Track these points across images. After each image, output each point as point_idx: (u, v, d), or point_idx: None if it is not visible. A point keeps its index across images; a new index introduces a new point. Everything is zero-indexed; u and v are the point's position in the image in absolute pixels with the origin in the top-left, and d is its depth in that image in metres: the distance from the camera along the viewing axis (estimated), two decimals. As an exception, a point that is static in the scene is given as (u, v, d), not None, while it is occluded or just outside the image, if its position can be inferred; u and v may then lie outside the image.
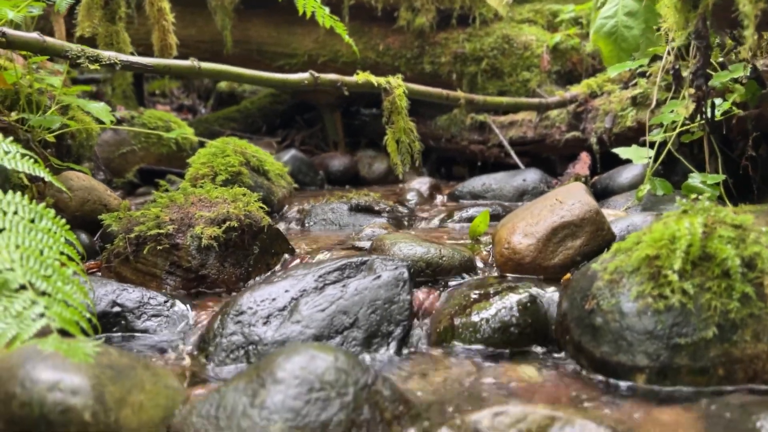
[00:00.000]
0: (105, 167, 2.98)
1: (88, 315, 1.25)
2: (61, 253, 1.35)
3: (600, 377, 1.29)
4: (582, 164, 2.94)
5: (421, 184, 3.15)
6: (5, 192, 1.38)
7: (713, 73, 2.54)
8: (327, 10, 2.51)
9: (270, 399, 1.00)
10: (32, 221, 1.37)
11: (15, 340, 1.10)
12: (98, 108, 2.19)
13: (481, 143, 3.78)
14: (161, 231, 1.81)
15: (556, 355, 1.43)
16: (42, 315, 1.15)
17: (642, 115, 2.95)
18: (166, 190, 2.06)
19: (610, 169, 2.97)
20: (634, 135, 2.97)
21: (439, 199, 3.11)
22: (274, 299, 1.47)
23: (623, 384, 1.26)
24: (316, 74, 2.46)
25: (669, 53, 2.12)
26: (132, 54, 2.44)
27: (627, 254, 1.34)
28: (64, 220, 1.43)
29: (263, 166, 2.71)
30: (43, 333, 1.09)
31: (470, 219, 2.33)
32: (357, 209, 2.57)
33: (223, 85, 6.51)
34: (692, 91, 2.50)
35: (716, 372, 1.21)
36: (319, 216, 2.55)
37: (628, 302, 1.27)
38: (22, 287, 1.19)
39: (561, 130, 3.40)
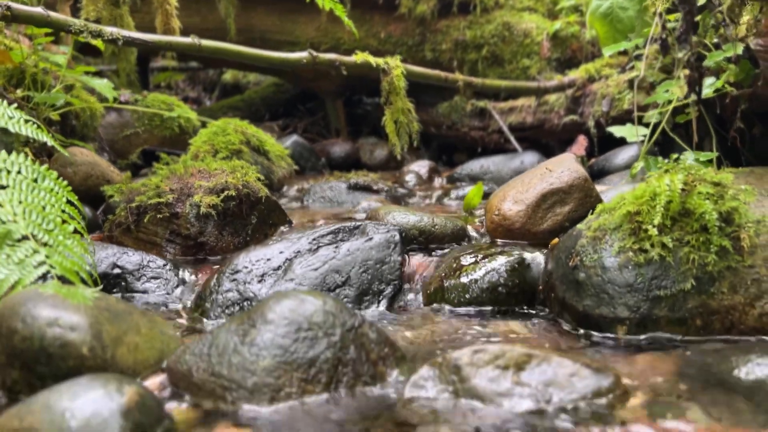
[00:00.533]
0: (109, 148, 3.03)
1: (87, 267, 1.31)
2: (63, 211, 1.40)
3: (583, 331, 1.33)
4: (579, 146, 2.98)
5: (421, 167, 3.19)
6: (9, 152, 1.43)
7: (707, 53, 2.57)
8: (327, -9, 2.55)
9: (260, 337, 1.04)
10: (35, 181, 1.42)
11: (17, 285, 1.16)
12: (101, 84, 2.24)
13: (481, 129, 3.81)
14: (161, 200, 1.86)
15: (542, 313, 1.47)
16: (42, 263, 1.20)
17: (639, 97, 2.98)
18: (167, 164, 2.10)
19: (607, 152, 3.00)
20: (631, 117, 2.99)
21: (438, 181, 3.15)
22: (268, 259, 1.52)
23: (605, 336, 1.30)
24: (315, 53, 2.51)
25: (657, 24, 2.16)
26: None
27: (610, 213, 1.38)
28: (66, 182, 1.48)
29: (263, 146, 2.75)
30: (44, 281, 1.14)
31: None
32: (355, 188, 2.62)
33: (227, 76, 6.57)
34: (686, 72, 2.54)
35: (694, 323, 1.25)
36: (318, 194, 2.59)
37: (610, 257, 1.31)
38: (24, 238, 1.24)
39: (559, 115, 3.43)
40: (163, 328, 1.21)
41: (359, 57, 2.58)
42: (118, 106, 2.73)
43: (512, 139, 3.55)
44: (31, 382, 1.01)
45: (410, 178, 2.99)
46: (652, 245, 1.27)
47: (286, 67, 2.56)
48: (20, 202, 1.32)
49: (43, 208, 1.35)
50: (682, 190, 1.29)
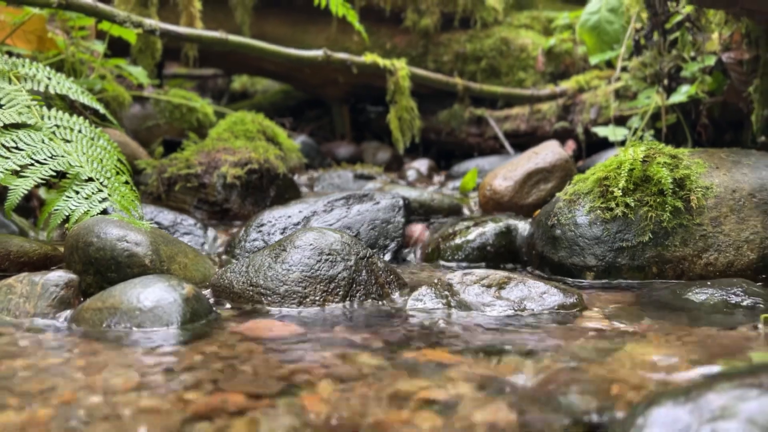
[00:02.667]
0: (133, 138, 3.27)
1: (138, 210, 1.54)
2: (115, 165, 1.64)
3: (558, 278, 1.56)
4: (567, 148, 3.22)
5: (421, 164, 3.44)
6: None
7: (683, 65, 2.84)
8: (341, -2, 2.81)
9: (290, 257, 1.27)
10: (92, 139, 1.66)
11: (86, 215, 1.39)
12: (137, 71, 2.49)
13: (478, 136, 4.07)
14: (191, 171, 2.10)
15: (524, 268, 1.70)
16: (105, 199, 1.43)
17: (623, 105, 3.24)
18: (195, 142, 2.34)
19: (593, 155, 3.25)
20: (616, 123, 3.25)
21: (437, 178, 3.39)
22: (289, 216, 1.75)
23: (576, 281, 1.53)
24: (329, 52, 2.76)
25: (631, 28, 2.42)
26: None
27: (584, 181, 1.62)
28: (116, 144, 1.72)
29: (277, 138, 2.99)
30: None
31: (462, 184, 2.61)
32: (361, 177, 2.85)
33: (236, 85, 6.84)
34: (666, 83, 2.81)
35: (651, 270, 1.48)
36: (327, 181, 2.83)
37: (582, 216, 1.55)
38: (90, 179, 1.48)
39: (551, 122, 3.68)
40: (204, 259, 1.44)
41: (368, 57, 2.84)
42: (147, 94, 2.98)
43: (507, 144, 3.80)
44: (102, 286, 1.23)
45: (411, 174, 3.23)
46: (617, 204, 1.51)
47: (303, 64, 2.80)
48: (83, 153, 1.55)
49: (101, 160, 1.58)
50: (644, 160, 1.53)
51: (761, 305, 1.21)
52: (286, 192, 2.23)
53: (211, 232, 1.92)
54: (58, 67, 2.67)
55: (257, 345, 1.00)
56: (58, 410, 0.74)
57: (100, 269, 1.23)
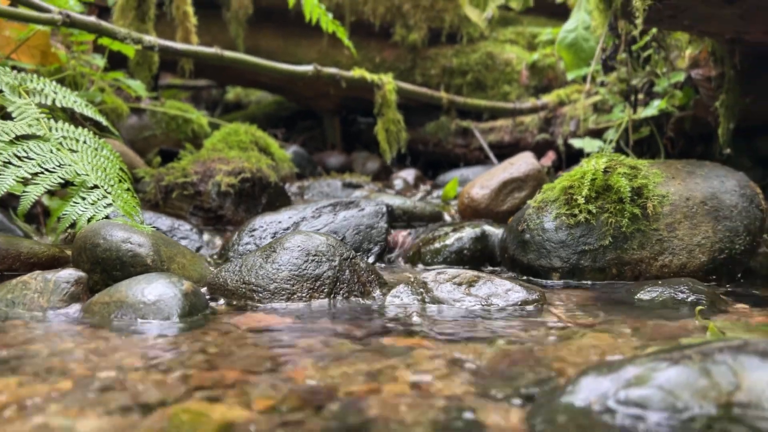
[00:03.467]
0: (130, 148, 3.39)
1: (139, 215, 1.66)
2: (118, 173, 1.76)
3: (526, 278, 1.69)
4: (547, 158, 3.37)
5: (408, 174, 3.57)
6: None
7: (656, 80, 3.00)
8: (330, 15, 2.95)
9: (279, 258, 1.40)
10: (96, 149, 1.79)
11: (91, 219, 1.51)
12: (136, 84, 2.62)
13: (464, 147, 4.21)
14: (187, 180, 2.22)
15: (499, 269, 1.83)
16: (110, 204, 1.56)
17: (600, 118, 3.39)
18: (191, 152, 2.46)
19: (572, 165, 3.40)
20: (593, 135, 3.40)
21: (423, 187, 3.53)
22: (280, 222, 1.88)
23: (543, 281, 1.66)
24: (319, 67, 2.90)
25: (600, 48, 2.57)
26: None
27: (551, 189, 1.75)
28: (118, 153, 1.84)
29: (269, 148, 3.12)
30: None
31: (445, 193, 2.75)
32: (349, 186, 2.98)
33: (230, 96, 6.96)
34: (634, 96, 2.95)
35: (611, 271, 1.62)
36: (317, 189, 2.96)
37: (549, 221, 1.68)
38: (95, 186, 1.60)
39: (533, 134, 3.83)
40: (200, 260, 1.57)
41: (357, 72, 2.98)
42: (144, 106, 3.10)
43: (491, 155, 3.95)
44: (108, 283, 1.35)
45: (398, 183, 3.36)
46: (580, 211, 1.64)
47: (295, 78, 2.93)
48: (89, 163, 1.68)
49: (105, 169, 1.71)
50: (605, 170, 1.67)
51: (703, 301, 1.35)
52: (277, 200, 2.35)
53: (206, 237, 2.04)
54: (60, 80, 2.79)
55: (249, 333, 1.12)
56: (78, 382, 0.86)
57: (106, 268, 1.36)
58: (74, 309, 1.25)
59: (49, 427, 0.71)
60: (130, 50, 2.80)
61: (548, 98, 3.85)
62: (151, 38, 2.45)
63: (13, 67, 2.44)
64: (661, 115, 2.89)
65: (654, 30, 2.54)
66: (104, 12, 3.62)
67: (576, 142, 2.94)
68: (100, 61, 2.67)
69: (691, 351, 0.82)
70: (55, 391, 0.83)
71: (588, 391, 0.77)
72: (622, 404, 0.75)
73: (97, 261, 1.36)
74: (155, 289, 1.20)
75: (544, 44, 4.65)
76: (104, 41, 2.65)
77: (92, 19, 2.29)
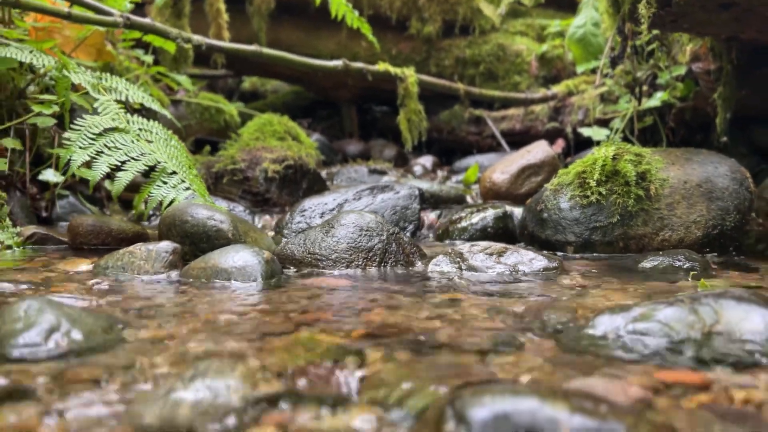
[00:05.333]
0: (167, 136, 3.64)
1: (209, 197, 1.91)
2: (187, 160, 2.01)
3: (545, 251, 1.94)
4: (557, 146, 3.61)
5: (426, 160, 3.82)
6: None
7: (659, 73, 3.23)
8: (356, 13, 3.19)
9: (337, 232, 1.65)
10: (166, 140, 2.04)
11: (174, 201, 1.77)
12: (183, 78, 2.86)
13: (477, 134, 4.45)
14: (236, 167, 2.47)
15: (519, 245, 2.08)
16: (188, 188, 1.81)
17: (607, 108, 3.63)
18: (234, 142, 2.71)
19: (580, 152, 3.64)
20: (601, 125, 3.64)
21: (440, 173, 3.77)
22: (325, 203, 2.13)
23: (559, 254, 1.91)
24: (348, 62, 3.14)
25: (609, 47, 2.80)
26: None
27: (566, 174, 2.00)
28: (182, 143, 2.09)
29: (299, 137, 3.37)
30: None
31: (464, 178, 2.99)
32: (375, 172, 3.23)
33: (246, 84, 7.19)
34: (638, 87, 3.19)
35: (618, 244, 1.87)
36: (345, 175, 3.21)
37: (564, 202, 1.93)
38: (173, 173, 1.85)
39: (543, 123, 4.07)
40: (265, 235, 1.82)
41: (381, 66, 3.21)
42: (180, 98, 3.34)
43: (503, 142, 4.19)
44: (195, 254, 1.61)
45: (418, 169, 3.61)
46: (592, 193, 1.89)
47: (326, 72, 3.17)
48: (163, 152, 1.93)
49: (177, 157, 1.96)
50: (614, 157, 1.91)
51: (697, 267, 1.60)
52: (315, 184, 2.60)
53: (255, 216, 2.30)
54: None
55: (322, 291, 1.38)
56: (207, 322, 1.12)
57: (194, 241, 1.61)
58: (174, 273, 1.51)
59: (197, 349, 0.97)
60: (171, 46, 3.03)
61: (558, 88, 4.08)
62: (198, 37, 2.69)
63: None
64: (663, 106, 3.12)
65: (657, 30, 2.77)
66: (138, 7, 3.85)
67: (584, 131, 3.18)
68: (148, 57, 2.91)
69: (683, 296, 1.08)
70: (193, 328, 1.08)
71: (604, 325, 1.03)
72: (630, 333, 1.01)
73: (186, 235, 1.62)
74: (242, 257, 1.46)
75: (552, 36, 4.87)
76: (149, 38, 2.89)
77: (148, 20, 2.53)
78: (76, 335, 0.94)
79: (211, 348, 0.96)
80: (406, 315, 1.17)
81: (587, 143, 3.60)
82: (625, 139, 3.21)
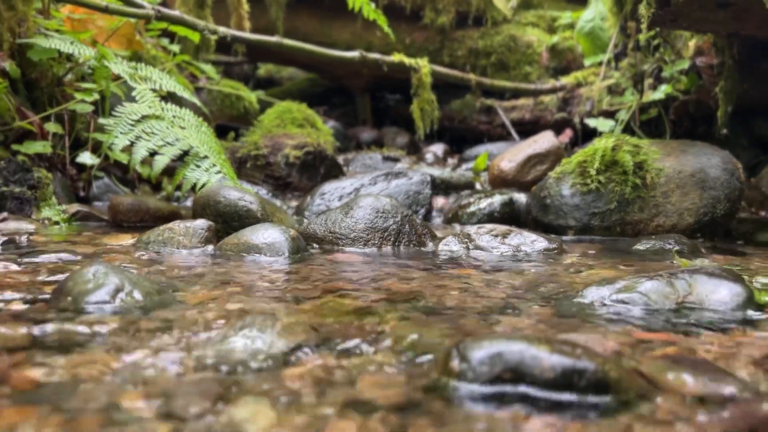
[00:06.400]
0: (190, 122, 3.80)
1: (237, 180, 2.07)
2: (216, 145, 2.17)
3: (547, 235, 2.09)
4: (564, 135, 3.74)
5: (438, 148, 3.96)
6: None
7: (664, 66, 3.34)
8: (373, 5, 3.32)
9: (356, 214, 1.81)
10: (197, 126, 2.20)
11: (207, 183, 1.93)
12: (208, 68, 3.01)
13: (487, 123, 4.59)
14: (259, 152, 2.63)
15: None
16: (219, 172, 1.97)
17: (614, 100, 3.75)
18: (257, 129, 2.87)
19: (587, 142, 3.76)
20: (606, 115, 3.76)
21: (451, 160, 3.92)
22: (343, 188, 2.28)
23: (560, 237, 2.06)
24: (365, 53, 3.28)
25: (613, 44, 2.92)
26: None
27: (569, 163, 2.14)
28: (211, 129, 2.25)
29: (316, 125, 3.52)
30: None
31: (474, 166, 3.13)
32: (388, 159, 3.38)
33: (261, 71, 7.34)
34: (650, 81, 3.30)
35: (616, 229, 2.01)
36: (359, 162, 3.36)
37: (566, 189, 2.08)
38: (205, 157, 2.01)
39: (552, 113, 4.20)
40: (289, 216, 1.98)
41: (396, 57, 3.35)
42: (202, 85, 3.50)
43: (513, 131, 4.32)
44: (228, 231, 1.77)
45: (429, 156, 3.75)
46: (592, 181, 2.03)
47: (344, 62, 3.31)
48: (195, 137, 2.09)
49: (207, 142, 2.12)
50: (613, 148, 2.05)
51: (685, 250, 1.74)
52: (332, 170, 2.76)
53: (278, 199, 2.46)
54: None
55: (343, 264, 1.54)
56: (244, 287, 1.28)
57: (227, 219, 1.77)
58: (209, 248, 1.67)
59: (240, 309, 1.13)
60: (195, 36, 3.19)
61: (567, 80, 4.20)
62: (224, 29, 2.84)
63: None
64: (667, 98, 3.24)
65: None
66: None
67: (591, 122, 3.31)
68: (175, 47, 3.07)
69: (662, 272, 1.23)
70: (233, 291, 1.25)
71: (592, 295, 1.18)
72: (614, 302, 1.16)
73: (219, 214, 1.78)
74: (271, 234, 1.62)
75: (563, 27, 4.98)
76: (174, 28, 3.05)
77: (177, 13, 2.68)
78: (137, 295, 1.11)
79: (252, 307, 1.12)
80: (419, 285, 1.33)
81: (595, 134, 3.73)
82: (630, 131, 3.34)
